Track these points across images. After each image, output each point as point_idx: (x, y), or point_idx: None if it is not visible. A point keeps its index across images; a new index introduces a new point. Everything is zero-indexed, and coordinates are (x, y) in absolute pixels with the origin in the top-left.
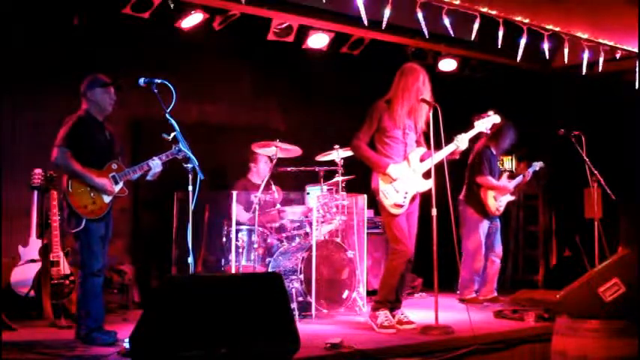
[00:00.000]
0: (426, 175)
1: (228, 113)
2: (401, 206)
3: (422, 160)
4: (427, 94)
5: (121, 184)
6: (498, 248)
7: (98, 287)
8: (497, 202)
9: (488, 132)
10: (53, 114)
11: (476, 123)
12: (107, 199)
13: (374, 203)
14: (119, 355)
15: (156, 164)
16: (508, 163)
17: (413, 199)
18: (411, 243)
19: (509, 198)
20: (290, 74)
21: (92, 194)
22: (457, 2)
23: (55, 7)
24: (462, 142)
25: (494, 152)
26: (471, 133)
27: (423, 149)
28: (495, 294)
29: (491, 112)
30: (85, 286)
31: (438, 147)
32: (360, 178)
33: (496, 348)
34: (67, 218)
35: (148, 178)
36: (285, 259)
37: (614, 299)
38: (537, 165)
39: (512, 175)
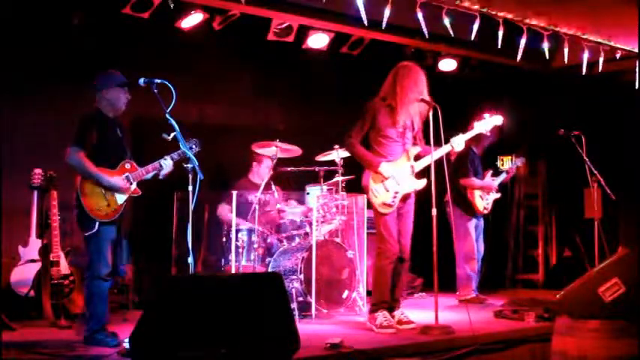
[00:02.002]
0: (419, 174)
1: (228, 113)
2: (390, 206)
3: (417, 159)
4: (425, 93)
5: (134, 184)
6: (481, 247)
7: (104, 290)
8: (484, 201)
9: (488, 134)
10: (53, 114)
11: (476, 124)
12: (121, 200)
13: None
14: (119, 355)
15: (167, 164)
16: (508, 163)
17: (405, 198)
18: (402, 242)
19: (495, 196)
20: (290, 74)
21: (106, 196)
22: (457, 2)
23: (55, 7)
24: (457, 143)
25: (476, 152)
26: (470, 134)
27: (418, 148)
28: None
29: (492, 114)
30: (91, 288)
31: (438, 147)
32: (360, 178)
33: (496, 348)
34: (77, 219)
35: (160, 177)
36: (285, 259)
37: (614, 299)
38: (519, 161)
39: (495, 173)
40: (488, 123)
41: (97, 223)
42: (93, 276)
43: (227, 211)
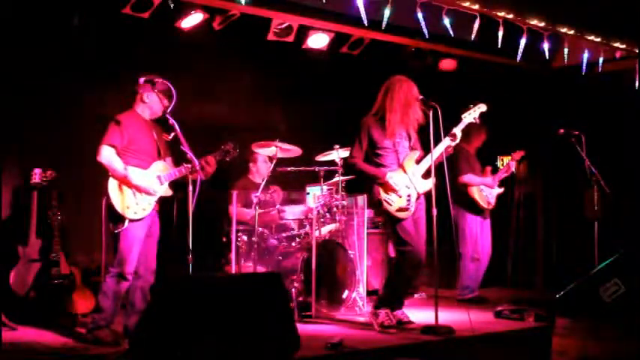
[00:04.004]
0: (425, 175)
1: (228, 113)
2: (406, 209)
3: (418, 161)
4: (415, 104)
5: (166, 185)
6: (486, 247)
7: (122, 289)
8: (485, 195)
9: (478, 121)
10: (53, 114)
11: (463, 115)
12: (152, 199)
13: (383, 212)
14: (119, 355)
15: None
16: (512, 163)
17: (417, 200)
18: (420, 247)
19: (498, 190)
20: (290, 74)
21: (136, 195)
22: (457, 2)
23: (55, 7)
24: (455, 135)
25: (470, 151)
26: (461, 125)
27: (417, 152)
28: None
29: (477, 103)
30: (110, 284)
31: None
32: (360, 178)
33: (496, 348)
34: (108, 216)
35: (203, 177)
36: (285, 259)
37: (614, 299)
38: (518, 155)
39: (494, 170)
40: (474, 112)
41: (127, 221)
42: (115, 273)
43: (244, 212)
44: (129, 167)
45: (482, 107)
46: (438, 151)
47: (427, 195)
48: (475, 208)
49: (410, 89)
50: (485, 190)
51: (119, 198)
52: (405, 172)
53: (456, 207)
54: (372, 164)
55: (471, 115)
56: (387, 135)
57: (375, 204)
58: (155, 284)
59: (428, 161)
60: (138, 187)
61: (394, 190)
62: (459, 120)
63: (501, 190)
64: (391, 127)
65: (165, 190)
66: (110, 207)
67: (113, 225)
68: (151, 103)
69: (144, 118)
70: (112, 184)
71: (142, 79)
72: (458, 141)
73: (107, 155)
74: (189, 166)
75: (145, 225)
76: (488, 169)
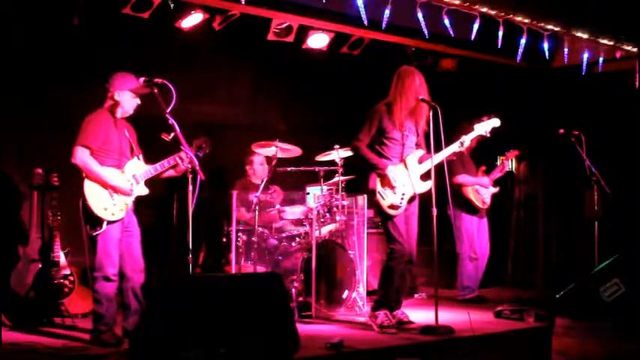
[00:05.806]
0: (424, 176)
1: (227, 113)
2: (398, 207)
3: (420, 161)
4: (424, 95)
5: (142, 184)
6: (484, 247)
7: (111, 291)
8: (480, 196)
9: (488, 135)
10: (53, 114)
11: (476, 126)
12: (128, 199)
13: (374, 203)
14: (119, 355)
15: (182, 158)
16: (507, 163)
17: (411, 199)
18: (410, 243)
19: (493, 190)
20: (290, 74)
21: (112, 196)
22: (457, 2)
23: (55, 7)
24: (465, 143)
25: (464, 152)
26: (471, 135)
27: (421, 151)
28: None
29: (491, 116)
30: (98, 288)
31: (438, 147)
32: (360, 178)
33: (496, 348)
34: (84, 219)
35: (176, 174)
36: (285, 259)
37: (614, 299)
38: (511, 154)
39: (488, 170)
40: (487, 125)
41: (105, 223)
42: (100, 277)
43: (243, 213)
44: (105, 167)
45: (496, 122)
46: (443, 155)
47: (427, 195)
48: (471, 208)
49: (416, 80)
50: (480, 190)
51: (96, 200)
52: (406, 168)
53: (452, 208)
54: (375, 153)
55: (483, 128)
56: (396, 125)
57: (368, 193)
58: (154, 284)
59: (430, 163)
60: (115, 187)
61: (390, 186)
62: (469, 129)
63: (496, 189)
64: (397, 118)
65: (141, 189)
66: (86, 209)
67: (90, 228)
68: (121, 102)
69: (115, 117)
70: (88, 186)
71: (141, 79)
72: (465, 149)
73: (82, 157)
74: (165, 163)
75: (122, 225)
76: (482, 169)
